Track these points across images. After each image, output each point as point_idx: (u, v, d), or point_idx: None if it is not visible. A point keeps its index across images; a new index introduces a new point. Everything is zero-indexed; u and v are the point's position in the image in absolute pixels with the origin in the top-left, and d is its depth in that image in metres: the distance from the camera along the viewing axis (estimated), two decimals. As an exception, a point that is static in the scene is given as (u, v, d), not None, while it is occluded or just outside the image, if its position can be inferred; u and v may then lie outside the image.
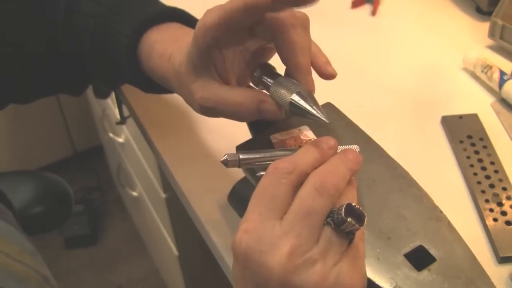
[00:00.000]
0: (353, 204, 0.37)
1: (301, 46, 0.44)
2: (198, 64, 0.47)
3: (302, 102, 0.42)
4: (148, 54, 0.54)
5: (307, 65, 0.44)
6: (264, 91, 0.48)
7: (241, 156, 0.42)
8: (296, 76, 0.45)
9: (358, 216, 0.37)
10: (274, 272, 0.35)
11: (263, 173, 0.40)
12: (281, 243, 0.36)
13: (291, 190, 0.38)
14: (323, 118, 0.42)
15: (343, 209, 0.36)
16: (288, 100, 0.43)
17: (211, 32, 0.44)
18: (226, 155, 0.42)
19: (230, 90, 0.46)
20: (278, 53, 0.45)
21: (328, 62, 0.48)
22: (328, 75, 0.47)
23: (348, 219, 0.36)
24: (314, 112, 0.42)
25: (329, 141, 0.42)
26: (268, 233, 0.36)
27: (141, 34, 0.54)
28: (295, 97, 0.43)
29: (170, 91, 0.59)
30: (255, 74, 0.48)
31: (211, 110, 0.47)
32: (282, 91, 0.44)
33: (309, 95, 0.43)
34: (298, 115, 0.43)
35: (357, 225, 0.37)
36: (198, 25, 0.45)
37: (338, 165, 0.39)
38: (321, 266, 0.36)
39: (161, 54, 0.52)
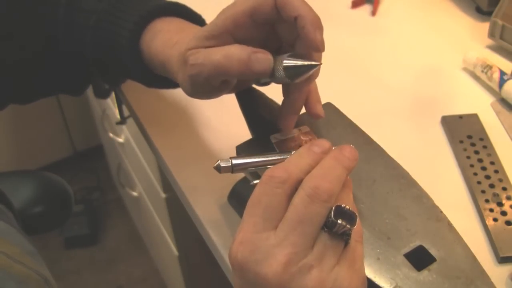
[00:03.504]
0: (342, 205, 0.37)
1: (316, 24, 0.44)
2: (204, 39, 0.46)
3: (293, 62, 0.43)
4: (150, 44, 0.54)
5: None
6: None
7: (234, 162, 0.42)
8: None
9: (349, 216, 0.37)
10: (270, 281, 0.35)
11: (257, 181, 0.40)
12: (276, 252, 0.35)
13: (286, 199, 0.38)
14: (316, 62, 0.43)
15: (332, 212, 0.36)
16: (282, 67, 0.44)
17: (234, 17, 0.44)
18: (219, 161, 0.42)
19: (221, 46, 0.45)
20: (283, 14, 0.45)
21: (318, 101, 0.48)
22: (315, 115, 0.48)
23: (338, 221, 0.36)
24: (307, 62, 0.43)
25: (324, 144, 0.41)
26: (263, 244, 0.36)
27: (142, 27, 0.55)
28: (287, 60, 0.44)
29: (171, 85, 0.59)
30: None
31: (200, 69, 0.45)
32: (275, 64, 0.45)
33: (299, 55, 0.44)
34: (297, 76, 0.44)
35: (348, 226, 0.36)
36: (226, 8, 0.45)
37: (332, 167, 0.39)
38: (318, 272, 0.36)
39: (164, 41, 0.52)
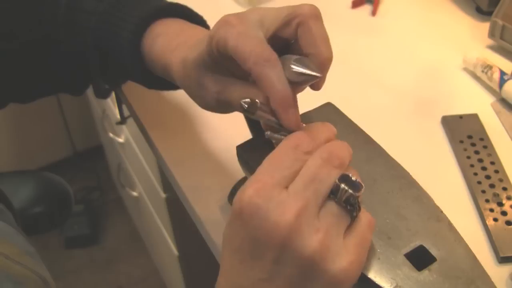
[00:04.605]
0: (349, 174, 0.38)
1: (320, 35, 0.44)
2: (209, 63, 0.47)
3: (300, 69, 0.42)
4: (150, 48, 0.54)
5: (325, 51, 0.44)
6: None
7: (259, 103, 0.43)
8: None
9: (353, 184, 0.38)
10: (279, 229, 0.36)
11: (270, 133, 0.42)
12: (290, 202, 0.36)
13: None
14: (316, 74, 0.42)
15: (340, 179, 0.38)
16: (290, 68, 0.43)
17: (222, 51, 0.44)
18: (249, 99, 0.42)
19: (246, 86, 0.46)
20: (301, 44, 0.45)
21: None
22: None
23: (341, 185, 0.37)
24: (310, 72, 0.42)
25: (333, 127, 0.43)
26: (277, 195, 0.37)
27: (144, 28, 0.55)
28: (294, 66, 0.43)
29: (173, 87, 0.59)
30: None
31: (226, 103, 0.47)
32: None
33: (306, 62, 0.43)
34: (303, 84, 0.43)
35: (350, 191, 0.37)
36: (215, 31, 0.44)
37: (342, 146, 0.40)
38: (323, 236, 0.36)
39: (164, 46, 0.53)
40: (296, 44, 0.45)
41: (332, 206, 0.38)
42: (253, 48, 0.42)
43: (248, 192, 0.37)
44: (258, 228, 0.36)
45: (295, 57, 0.43)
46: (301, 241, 0.36)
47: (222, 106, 0.49)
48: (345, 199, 0.38)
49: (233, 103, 0.46)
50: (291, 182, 0.38)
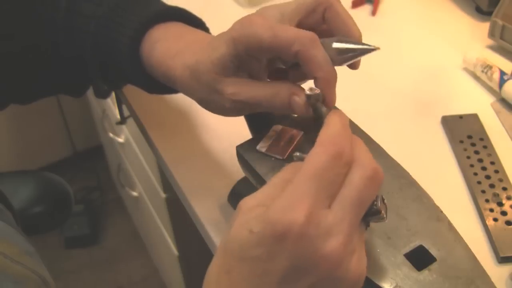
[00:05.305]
0: (384, 198, 0.37)
1: (347, 15, 0.46)
2: (230, 66, 0.47)
3: (347, 45, 0.44)
4: (149, 53, 0.54)
5: (357, 30, 0.47)
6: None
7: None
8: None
9: (386, 209, 0.37)
10: (327, 261, 0.34)
11: (300, 154, 0.40)
12: (337, 230, 0.35)
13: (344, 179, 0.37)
14: (371, 47, 0.44)
15: (380, 201, 0.36)
16: (333, 49, 0.44)
17: (255, 48, 0.44)
18: (313, 91, 0.43)
19: (262, 84, 0.47)
20: (331, 27, 0.47)
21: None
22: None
23: (382, 212, 0.36)
24: (361, 46, 0.44)
25: (346, 117, 0.41)
26: (324, 220, 0.35)
27: (142, 33, 0.54)
28: (337, 44, 0.44)
29: (173, 91, 0.59)
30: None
31: (242, 104, 0.47)
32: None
33: (348, 39, 0.45)
34: (348, 59, 0.45)
35: (385, 218, 0.37)
36: (241, 31, 0.44)
37: (370, 154, 0.38)
38: (357, 257, 0.36)
39: (163, 52, 0.52)
40: (318, 30, 0.46)
41: (362, 227, 0.37)
42: (294, 32, 0.43)
43: (299, 220, 0.34)
44: (303, 258, 0.35)
45: (333, 38, 0.45)
46: (345, 268, 0.35)
47: (237, 109, 0.48)
48: (373, 221, 0.37)
49: (260, 103, 0.46)
50: (333, 198, 0.36)
